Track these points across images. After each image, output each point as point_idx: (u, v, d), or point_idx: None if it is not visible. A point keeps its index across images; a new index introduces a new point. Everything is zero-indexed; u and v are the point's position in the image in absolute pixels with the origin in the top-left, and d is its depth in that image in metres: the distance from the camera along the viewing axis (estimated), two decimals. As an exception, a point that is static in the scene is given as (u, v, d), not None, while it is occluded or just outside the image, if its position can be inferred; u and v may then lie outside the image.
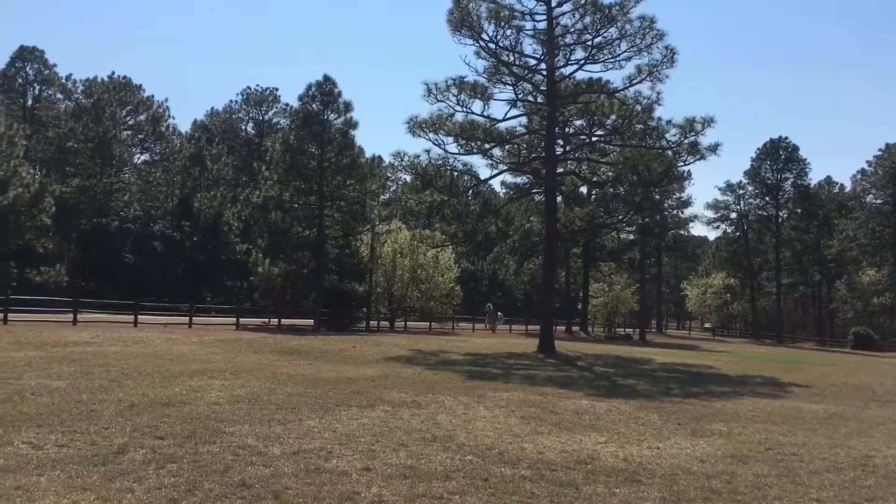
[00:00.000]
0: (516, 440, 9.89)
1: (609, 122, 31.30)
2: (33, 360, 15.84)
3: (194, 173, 58.86)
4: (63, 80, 67.82)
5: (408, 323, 47.35)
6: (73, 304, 29.34)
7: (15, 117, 51.16)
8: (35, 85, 66.39)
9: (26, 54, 64.93)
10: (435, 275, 47.44)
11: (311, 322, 37.76)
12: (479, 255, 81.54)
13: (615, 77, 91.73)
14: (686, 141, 28.89)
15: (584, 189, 56.66)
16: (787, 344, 66.21)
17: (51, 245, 45.65)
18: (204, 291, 55.09)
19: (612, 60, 28.84)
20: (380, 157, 48.54)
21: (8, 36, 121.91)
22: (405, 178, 61.39)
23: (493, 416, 11.96)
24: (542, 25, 29.33)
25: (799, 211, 76.59)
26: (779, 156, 75.12)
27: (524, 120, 33.94)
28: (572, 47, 29.52)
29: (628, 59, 28.54)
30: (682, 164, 32.59)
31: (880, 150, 76.04)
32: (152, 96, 71.75)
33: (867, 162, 79.55)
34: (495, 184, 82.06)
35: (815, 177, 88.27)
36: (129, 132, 69.49)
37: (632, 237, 65.59)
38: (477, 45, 29.09)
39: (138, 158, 71.48)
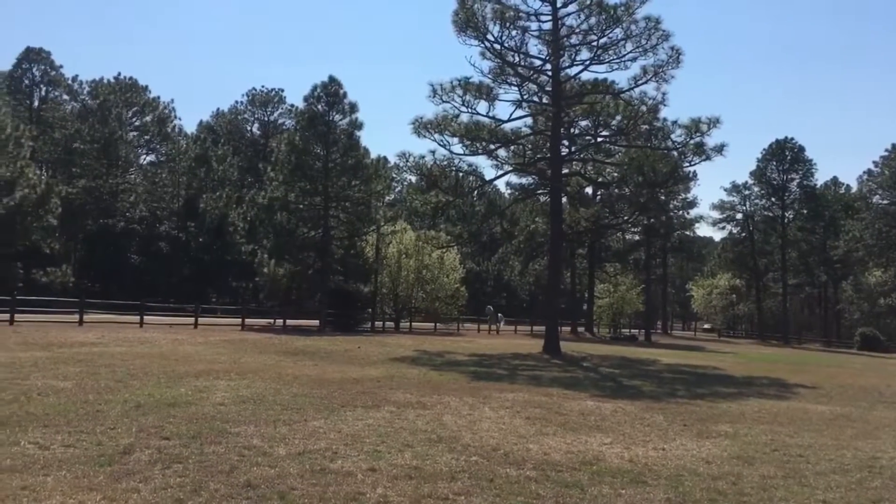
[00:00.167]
0: (521, 441, 9.88)
1: (614, 122, 31.28)
2: (40, 360, 15.88)
3: (200, 174, 58.95)
4: (69, 82, 68.03)
5: (413, 323, 47.35)
6: (80, 304, 29.40)
7: (21, 118, 51.35)
8: (41, 86, 66.63)
9: (33, 56, 65.16)
10: (440, 275, 47.44)
11: (316, 323, 37.79)
12: (484, 255, 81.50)
13: (620, 78, 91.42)
14: (692, 141, 28.87)
15: (589, 190, 56.59)
16: (793, 345, 66.03)
17: (57, 246, 45.70)
18: (209, 292, 55.23)
19: (618, 61, 28.81)
20: (385, 158, 48.69)
21: (15, 37, 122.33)
22: (410, 179, 61.38)
23: (498, 416, 11.95)
24: (548, 26, 29.34)
25: (805, 211, 76.35)
26: (785, 156, 74.93)
27: (529, 121, 33.99)
28: (577, 48, 29.49)
29: (634, 59, 28.54)
30: (687, 164, 32.58)
31: (887, 150, 75.69)
32: (158, 97, 71.99)
33: (873, 162, 79.22)
34: (500, 184, 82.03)
35: (821, 177, 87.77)
36: (135, 133, 69.70)
37: (637, 238, 65.53)
38: (482, 45, 29.11)
39: (144, 159, 71.75)
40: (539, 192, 44.63)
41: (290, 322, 37.84)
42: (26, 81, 65.51)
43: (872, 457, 10.23)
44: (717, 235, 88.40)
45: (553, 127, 30.85)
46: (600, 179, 41.74)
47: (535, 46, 29.96)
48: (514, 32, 28.88)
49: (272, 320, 39.69)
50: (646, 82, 28.71)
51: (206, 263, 54.38)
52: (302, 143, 39.57)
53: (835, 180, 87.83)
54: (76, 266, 51.24)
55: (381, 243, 43.51)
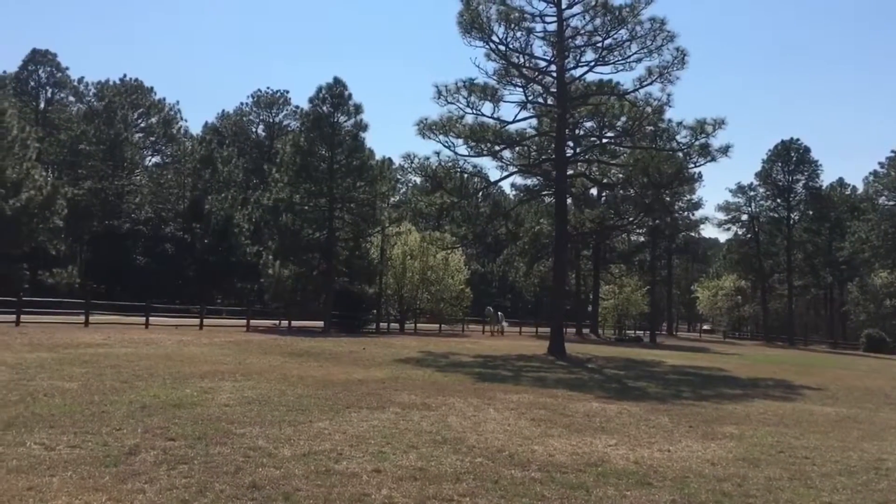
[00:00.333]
0: (526, 442, 9.88)
1: (619, 123, 31.26)
2: (45, 361, 15.92)
3: (205, 175, 59.07)
4: (75, 83, 68.33)
5: (418, 325, 47.38)
6: (85, 305, 29.46)
7: (28, 120, 51.49)
8: (47, 88, 66.93)
9: (39, 57, 65.45)
10: (445, 277, 47.45)
11: (321, 324, 37.82)
12: (489, 257, 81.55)
13: (625, 79, 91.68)
14: (697, 143, 28.82)
15: (594, 191, 56.60)
16: (798, 346, 65.91)
17: (63, 247, 45.92)
18: (215, 293, 55.35)
19: (623, 62, 28.79)
20: (390, 160, 48.68)
21: (21, 39, 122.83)
22: (415, 180, 61.66)
23: (503, 418, 11.94)
24: (553, 27, 29.33)
25: (810, 213, 76.25)
26: (790, 157, 74.81)
27: (534, 122, 33.97)
28: (582, 49, 29.50)
29: (639, 60, 28.50)
30: (692, 165, 32.53)
31: (893, 151, 75.75)
32: (163, 99, 72.28)
33: (879, 163, 79.15)
34: (505, 186, 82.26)
35: (826, 178, 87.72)
36: (141, 135, 69.93)
37: (642, 239, 65.42)
38: (487, 47, 29.11)
39: (150, 161, 71.95)
40: (544, 193, 44.56)
41: (294, 323, 37.90)
42: (32, 83, 65.82)
43: (878, 458, 10.20)
44: (723, 237, 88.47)
45: (558, 128, 30.82)
46: (605, 180, 41.61)
47: (539, 48, 30.02)
48: (518, 34, 28.92)
49: (277, 321, 39.77)
50: (651, 83, 28.69)
51: (212, 265, 54.47)
52: (307, 144, 39.64)
53: (841, 181, 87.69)
54: (82, 267, 51.40)
55: (386, 244, 43.54)
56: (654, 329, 61.59)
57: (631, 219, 55.99)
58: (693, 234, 73.71)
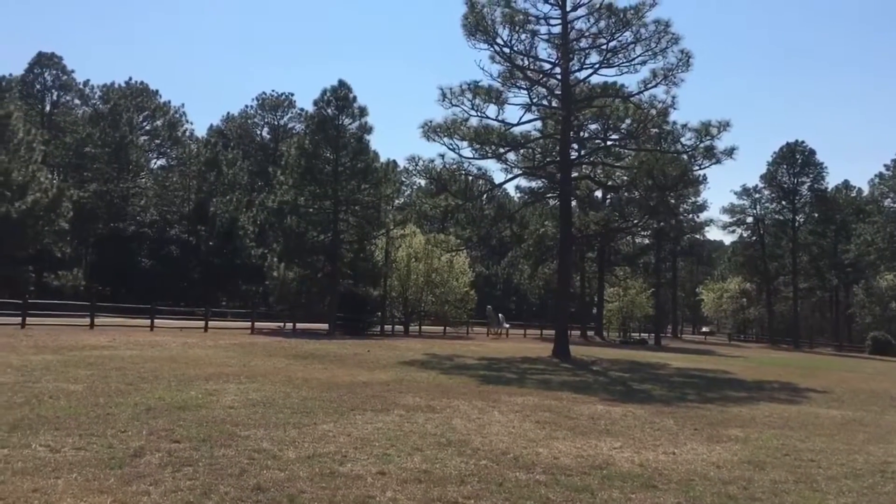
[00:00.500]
0: (531, 445, 9.86)
1: (624, 126, 31.24)
2: (51, 363, 15.95)
3: (210, 178, 59.16)
4: (81, 86, 68.53)
5: (422, 327, 47.39)
6: (91, 308, 29.51)
7: (33, 123, 51.63)
8: (53, 91, 67.14)
9: (45, 60, 65.65)
10: (449, 279, 47.47)
11: (325, 326, 37.83)
12: (493, 259, 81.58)
13: (630, 81, 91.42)
14: (701, 145, 28.79)
15: (598, 193, 56.63)
16: (804, 349, 65.78)
17: (68, 249, 45.96)
18: (219, 295, 55.45)
19: (627, 64, 28.79)
20: (394, 162, 48.73)
21: (27, 42, 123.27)
22: (420, 183, 61.64)
23: (507, 420, 11.93)
24: (557, 30, 29.35)
25: (816, 215, 76.12)
26: (795, 160, 74.73)
27: (539, 124, 33.95)
28: (587, 51, 29.47)
29: (643, 62, 28.48)
30: (697, 168, 32.58)
31: (898, 153, 75.43)
32: (169, 102, 72.50)
33: (885, 166, 79.02)
34: (510, 188, 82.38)
35: (832, 181, 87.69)
36: (146, 137, 70.13)
37: (647, 241, 65.45)
38: (491, 49, 29.14)
39: (155, 163, 72.16)
40: (548, 195, 44.64)
41: (299, 326, 37.93)
42: (38, 86, 66.03)
43: (884, 461, 10.16)
44: (728, 239, 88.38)
45: (562, 130, 30.81)
46: (610, 183, 41.69)
47: (544, 50, 30.04)
48: (523, 36, 28.93)
49: (282, 324, 39.79)
50: (655, 86, 28.66)
51: (216, 267, 54.54)
52: (312, 146, 39.68)
53: (846, 184, 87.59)
54: (87, 269, 51.46)
55: (391, 247, 43.57)
56: (658, 331, 61.53)
57: (636, 221, 56.07)
58: (698, 236, 73.78)
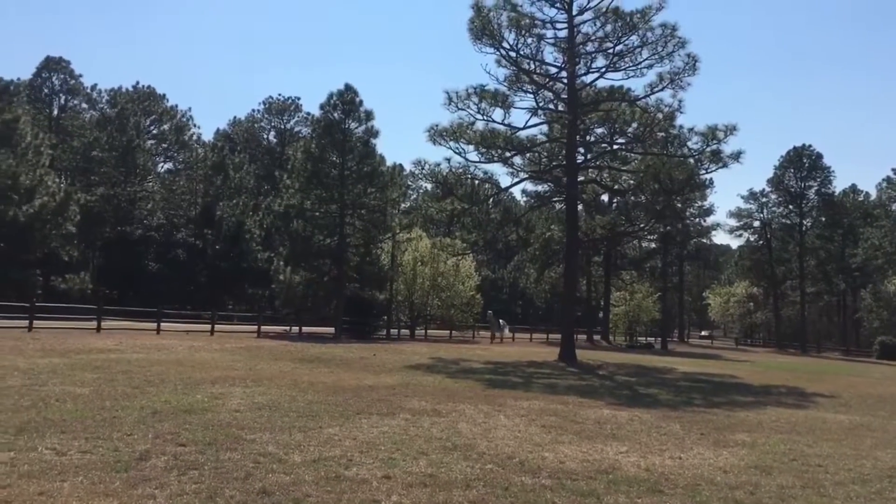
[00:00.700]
0: (537, 449, 9.84)
1: (630, 129, 31.19)
2: (58, 366, 15.98)
3: (217, 182, 59.34)
4: (88, 91, 68.91)
5: (428, 331, 47.39)
6: (97, 311, 29.59)
7: (41, 127, 51.93)
8: (61, 95, 67.50)
9: (52, 65, 66.01)
10: (455, 283, 47.46)
11: (331, 330, 37.87)
12: (499, 263, 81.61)
13: (636, 85, 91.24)
14: (708, 149, 28.74)
15: (605, 197, 56.52)
16: (811, 353, 65.53)
17: (75, 253, 46.13)
18: (226, 299, 55.51)
19: (634, 68, 28.76)
20: (401, 166, 48.83)
21: (35, 47, 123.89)
22: (426, 187, 61.60)
23: (513, 424, 11.90)
24: (563, 34, 29.34)
25: (823, 219, 75.87)
26: (802, 164, 74.52)
27: (545, 128, 33.95)
28: (593, 55, 29.49)
29: (650, 66, 28.45)
30: (704, 172, 32.40)
31: (906, 157, 75.24)
32: (176, 106, 72.82)
33: (893, 170, 78.87)
34: (516, 192, 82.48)
35: (839, 185, 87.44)
36: (153, 141, 70.40)
37: (653, 246, 65.34)
38: (498, 53, 29.14)
39: (162, 167, 72.44)
40: (554, 199, 44.57)
41: (305, 329, 37.95)
42: (46, 90, 66.41)
43: (892, 466, 10.10)
44: (735, 243, 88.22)
45: (569, 134, 30.79)
46: (616, 187, 41.53)
47: (550, 54, 30.07)
48: (529, 40, 28.95)
49: (288, 327, 39.83)
50: (662, 89, 28.65)
51: (223, 270, 54.66)
52: (318, 150, 39.77)
53: (853, 188, 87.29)
54: (94, 273, 51.61)
55: (397, 251, 43.59)
56: (665, 336, 61.40)
57: (642, 225, 55.87)
58: (704, 240, 73.57)
